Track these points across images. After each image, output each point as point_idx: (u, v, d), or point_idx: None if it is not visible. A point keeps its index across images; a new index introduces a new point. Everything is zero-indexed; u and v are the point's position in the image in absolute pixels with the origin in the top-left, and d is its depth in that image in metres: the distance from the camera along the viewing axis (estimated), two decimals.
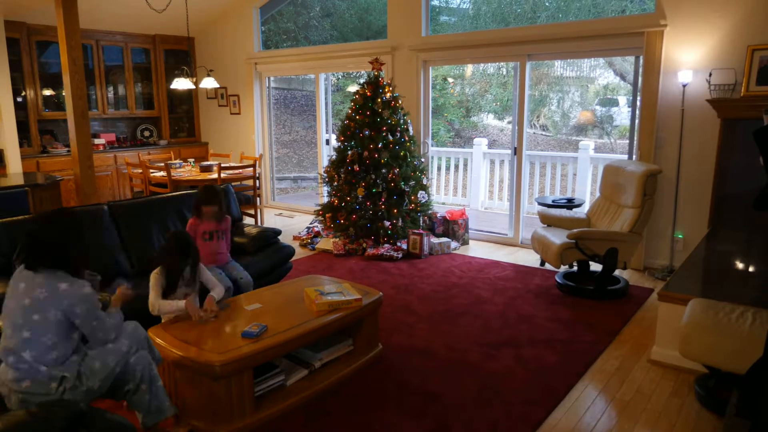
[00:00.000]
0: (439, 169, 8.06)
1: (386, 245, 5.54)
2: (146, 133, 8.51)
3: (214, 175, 5.94)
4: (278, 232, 4.41)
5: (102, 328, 2.25)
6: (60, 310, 2.14)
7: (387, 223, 5.56)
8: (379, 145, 5.57)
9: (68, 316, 2.15)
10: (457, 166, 8.29)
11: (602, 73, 11.19)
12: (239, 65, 8.03)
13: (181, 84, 6.36)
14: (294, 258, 4.47)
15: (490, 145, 9.66)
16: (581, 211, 5.03)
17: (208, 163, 6.37)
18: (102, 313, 2.27)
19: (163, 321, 2.94)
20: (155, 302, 2.89)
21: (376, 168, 5.59)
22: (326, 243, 5.78)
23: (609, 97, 11.17)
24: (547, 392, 2.95)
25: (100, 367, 2.23)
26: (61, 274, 2.18)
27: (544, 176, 7.43)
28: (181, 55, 8.46)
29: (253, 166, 6.21)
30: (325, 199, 6.13)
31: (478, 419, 2.71)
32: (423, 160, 6.11)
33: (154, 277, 2.95)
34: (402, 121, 5.76)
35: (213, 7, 7.74)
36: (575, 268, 4.67)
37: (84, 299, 2.18)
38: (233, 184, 5.79)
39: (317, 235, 6.04)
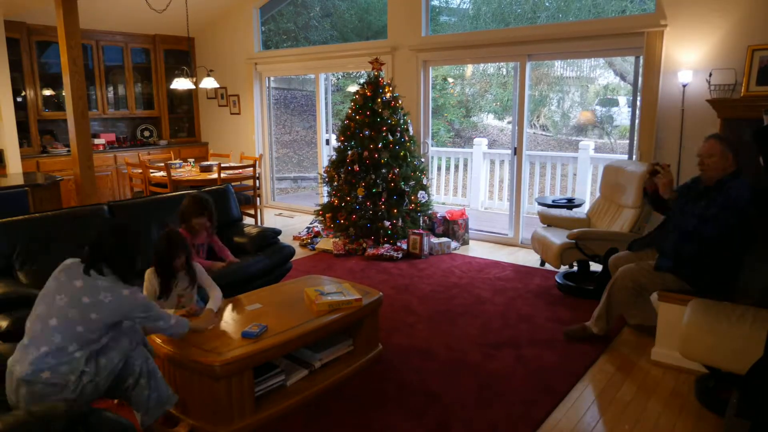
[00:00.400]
0: (439, 169, 8.06)
1: (386, 245, 5.54)
2: (146, 133, 8.51)
3: (214, 175, 5.94)
4: (278, 232, 4.41)
5: (163, 323, 2.45)
6: (119, 316, 2.28)
7: (387, 223, 5.56)
8: (379, 145, 5.57)
9: (126, 318, 2.32)
10: (457, 166, 8.29)
11: (602, 73, 11.19)
12: (239, 65, 8.03)
13: (181, 84, 6.36)
14: (294, 258, 4.47)
15: (490, 145, 9.67)
16: (581, 211, 5.03)
17: (208, 163, 6.38)
18: (156, 311, 2.43)
19: None
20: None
21: (376, 168, 5.59)
22: (326, 243, 5.77)
23: (609, 97, 11.17)
24: (547, 392, 2.95)
25: (106, 363, 2.26)
26: (120, 282, 2.32)
27: (544, 176, 7.43)
28: (181, 55, 8.46)
29: (253, 166, 6.21)
30: (325, 199, 6.13)
31: (478, 419, 2.71)
32: (423, 160, 6.11)
33: (147, 279, 2.95)
34: (402, 121, 5.76)
35: (213, 7, 7.74)
36: (575, 268, 4.67)
37: (142, 305, 2.35)
38: (233, 184, 5.79)
39: (317, 235, 6.04)
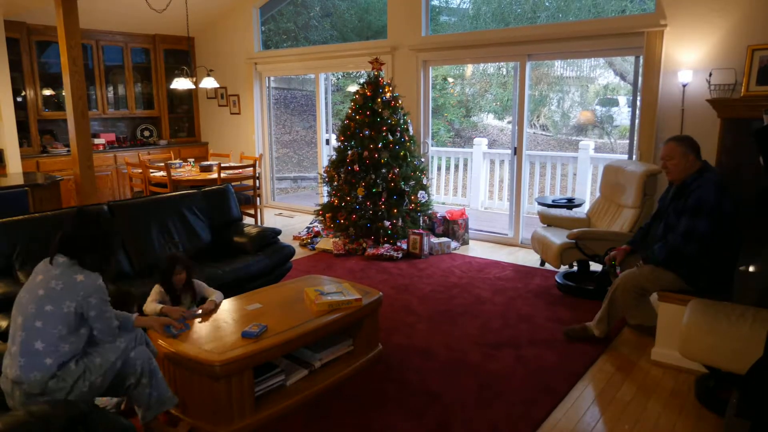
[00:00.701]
0: (439, 169, 8.05)
1: (386, 245, 5.54)
2: (146, 133, 8.51)
3: (214, 175, 5.94)
4: (278, 232, 4.41)
5: (110, 324, 2.30)
6: (74, 302, 2.19)
7: (387, 223, 5.56)
8: (379, 145, 5.57)
9: (82, 307, 2.20)
10: (457, 166, 8.29)
11: (602, 73, 11.19)
12: (239, 65, 8.03)
13: (181, 84, 6.36)
14: (294, 258, 4.47)
15: (490, 145, 9.66)
16: (581, 211, 5.03)
17: (208, 163, 6.38)
18: (111, 309, 2.33)
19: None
20: (146, 307, 2.97)
21: (376, 168, 5.59)
22: (326, 243, 5.77)
23: (609, 97, 11.17)
24: (547, 392, 2.95)
25: (101, 362, 2.27)
26: (77, 268, 2.25)
27: (544, 176, 7.42)
28: (181, 55, 8.46)
29: (253, 166, 6.21)
30: (325, 199, 6.13)
31: (478, 419, 2.71)
32: (423, 160, 6.11)
33: (154, 292, 3.06)
34: (402, 121, 5.76)
35: (213, 7, 7.74)
36: (575, 268, 4.67)
37: (98, 290, 2.24)
38: (233, 184, 5.79)
39: (317, 235, 6.04)
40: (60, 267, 2.23)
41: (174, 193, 4.45)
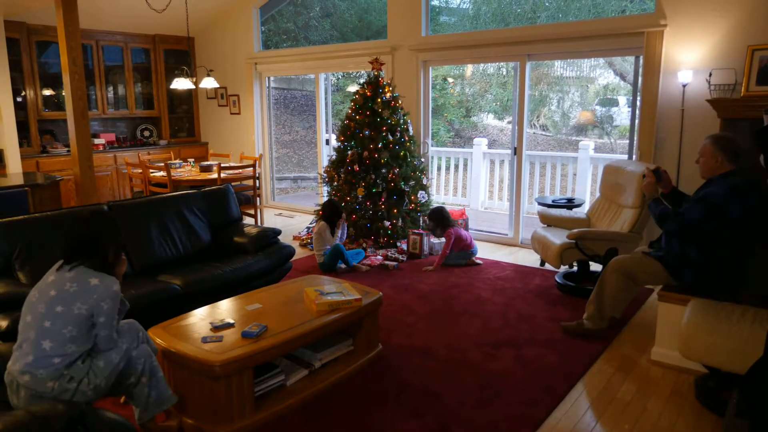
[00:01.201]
0: (439, 169, 8.05)
1: (389, 249, 5.53)
2: (146, 133, 8.51)
3: (214, 175, 5.94)
4: (278, 232, 4.41)
5: (112, 335, 2.28)
6: (87, 305, 2.18)
7: (387, 223, 5.56)
8: (379, 145, 5.57)
9: (93, 311, 2.19)
10: (457, 166, 8.29)
11: (602, 73, 11.20)
12: (239, 65, 8.03)
13: (181, 84, 6.36)
14: (294, 258, 4.47)
15: (490, 145, 9.66)
16: (581, 211, 5.03)
17: (208, 163, 6.37)
18: (117, 318, 2.32)
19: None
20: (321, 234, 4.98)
21: (376, 168, 5.59)
22: None
23: (609, 97, 11.17)
24: (547, 392, 2.95)
25: (105, 365, 2.26)
26: (91, 272, 2.25)
27: (544, 176, 7.42)
28: (181, 55, 8.46)
29: (253, 166, 6.21)
30: (325, 199, 6.12)
31: (478, 419, 2.71)
32: (423, 160, 6.11)
33: (320, 226, 5.08)
34: (402, 121, 5.76)
35: (213, 7, 7.75)
36: (575, 268, 4.67)
37: (113, 296, 2.24)
38: (233, 184, 5.80)
39: None
40: (74, 270, 2.25)
41: (174, 194, 4.45)
